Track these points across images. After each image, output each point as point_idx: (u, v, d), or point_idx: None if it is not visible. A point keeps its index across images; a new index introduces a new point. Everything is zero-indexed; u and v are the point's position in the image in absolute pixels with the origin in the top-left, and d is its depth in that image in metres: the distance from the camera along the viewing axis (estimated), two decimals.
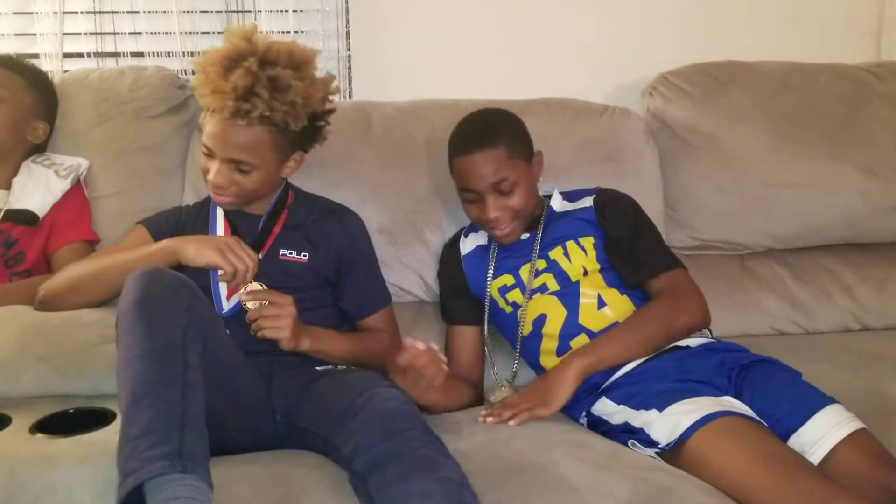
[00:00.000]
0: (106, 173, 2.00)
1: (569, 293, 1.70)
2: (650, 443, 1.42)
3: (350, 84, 2.37)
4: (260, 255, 1.65)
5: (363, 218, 1.82)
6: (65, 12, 2.24)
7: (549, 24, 2.44)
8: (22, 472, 1.25)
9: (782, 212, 2.12)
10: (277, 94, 1.55)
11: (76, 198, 1.95)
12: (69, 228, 1.91)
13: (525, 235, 1.79)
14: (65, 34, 2.25)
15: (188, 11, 2.27)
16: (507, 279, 1.77)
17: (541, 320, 1.71)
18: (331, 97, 1.71)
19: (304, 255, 1.70)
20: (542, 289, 1.73)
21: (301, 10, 2.32)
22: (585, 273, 1.72)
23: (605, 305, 1.68)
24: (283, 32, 2.27)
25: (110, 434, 1.30)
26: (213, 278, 1.64)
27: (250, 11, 2.31)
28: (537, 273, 1.74)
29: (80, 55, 2.30)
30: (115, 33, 2.31)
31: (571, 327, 1.67)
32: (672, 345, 1.62)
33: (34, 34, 2.23)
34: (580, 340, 1.66)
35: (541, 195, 1.86)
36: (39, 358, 1.50)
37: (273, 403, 1.50)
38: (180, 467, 1.11)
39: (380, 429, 1.25)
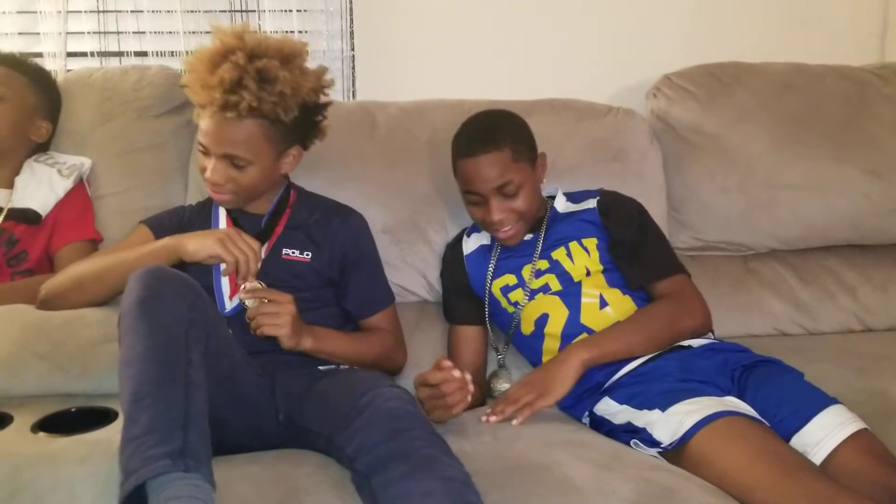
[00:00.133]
0: (109, 172, 2.00)
1: (571, 293, 1.70)
2: (653, 442, 1.42)
3: (354, 84, 2.38)
4: (262, 255, 1.65)
5: (367, 218, 1.82)
6: (68, 11, 2.24)
7: (554, 25, 2.44)
8: (24, 470, 1.24)
9: (786, 213, 2.12)
10: (265, 86, 1.55)
11: (79, 197, 1.95)
12: (72, 227, 1.91)
13: (528, 236, 1.79)
14: (68, 33, 2.26)
15: (192, 11, 2.27)
16: (510, 279, 1.77)
17: (543, 320, 1.71)
18: (326, 90, 1.71)
19: (307, 255, 1.69)
20: (545, 289, 1.73)
21: (305, 10, 2.32)
22: (588, 273, 1.72)
23: (607, 305, 1.68)
24: (286, 32, 2.27)
25: (112, 433, 1.30)
26: (216, 277, 1.64)
27: (254, 11, 2.32)
28: (540, 273, 1.74)
29: (84, 54, 2.30)
30: (118, 32, 2.31)
31: (573, 327, 1.67)
32: (675, 344, 1.61)
33: (38, 33, 2.24)
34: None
35: (544, 196, 1.86)
36: (41, 357, 1.50)
37: (276, 403, 1.49)
38: (183, 466, 1.10)
39: (383, 428, 1.25)
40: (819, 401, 1.46)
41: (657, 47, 2.44)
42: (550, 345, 1.70)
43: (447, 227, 1.99)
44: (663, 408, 1.44)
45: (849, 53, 2.39)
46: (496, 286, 1.79)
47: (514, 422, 1.50)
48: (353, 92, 2.38)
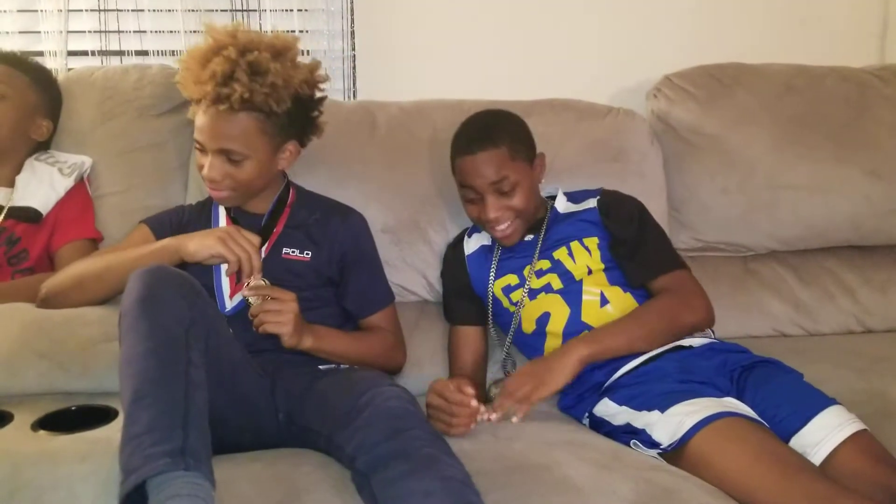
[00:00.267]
0: (109, 171, 2.00)
1: (572, 291, 1.71)
2: (652, 443, 1.42)
3: (355, 84, 2.38)
4: (262, 254, 1.65)
5: (367, 217, 1.82)
6: (69, 10, 2.24)
7: (554, 25, 2.44)
8: (24, 469, 1.24)
9: (786, 214, 2.12)
10: (257, 78, 1.56)
11: (79, 196, 1.95)
12: (72, 226, 1.91)
13: (529, 237, 1.79)
14: (69, 32, 2.26)
15: (193, 10, 2.27)
16: (512, 279, 1.78)
17: (544, 318, 1.71)
18: (320, 85, 1.72)
19: (307, 254, 1.69)
20: (547, 288, 1.73)
21: (306, 10, 2.33)
22: (590, 272, 1.72)
23: (607, 303, 1.68)
24: (288, 32, 2.26)
25: (112, 431, 1.30)
26: (216, 277, 1.64)
27: (255, 11, 2.32)
28: (541, 273, 1.74)
29: (85, 53, 2.30)
30: (119, 31, 2.31)
31: (575, 325, 1.68)
32: (674, 344, 1.62)
33: (38, 32, 2.24)
34: None
35: (544, 196, 1.87)
36: (42, 355, 1.50)
37: (276, 402, 1.49)
38: (183, 465, 1.10)
39: (383, 427, 1.25)
40: (818, 401, 1.46)
41: (657, 48, 2.45)
42: (552, 343, 1.70)
43: (447, 227, 1.99)
44: (662, 409, 1.44)
45: (849, 54, 2.39)
46: (498, 286, 1.79)
47: (514, 419, 1.49)
48: (354, 92, 2.38)
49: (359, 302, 1.75)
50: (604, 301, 1.69)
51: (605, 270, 1.73)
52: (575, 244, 1.75)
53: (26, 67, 1.95)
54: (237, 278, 1.62)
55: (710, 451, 1.33)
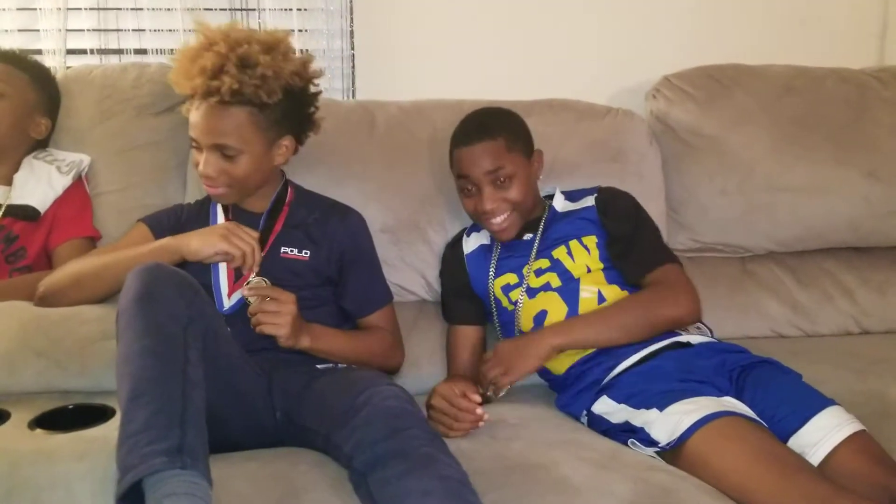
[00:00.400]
0: (108, 170, 2.00)
1: (569, 289, 1.71)
2: (650, 442, 1.42)
3: (354, 83, 2.38)
4: (261, 253, 1.65)
5: (366, 217, 1.81)
6: (68, 9, 2.24)
7: (554, 26, 2.44)
8: (21, 467, 1.24)
9: (784, 215, 2.12)
10: (246, 70, 1.56)
11: (77, 194, 1.95)
12: (70, 224, 1.91)
13: (528, 236, 1.79)
14: (68, 31, 2.25)
15: (192, 9, 2.26)
16: (511, 278, 1.78)
17: (542, 316, 1.71)
18: (314, 80, 1.72)
19: (306, 253, 1.69)
20: (546, 287, 1.73)
21: (305, 9, 2.32)
22: (589, 271, 1.72)
23: (604, 301, 1.69)
24: (286, 30, 2.26)
25: (110, 430, 1.30)
26: (214, 275, 1.64)
27: (254, 10, 2.32)
28: (541, 272, 1.74)
29: (84, 52, 2.30)
30: (118, 30, 2.31)
31: None
32: (672, 341, 1.62)
33: (37, 30, 2.23)
34: None
35: (542, 196, 1.86)
36: (39, 353, 1.50)
37: (274, 401, 1.49)
38: (180, 463, 1.10)
39: (381, 427, 1.25)
40: (817, 402, 1.46)
41: (657, 48, 2.45)
42: None
43: (446, 227, 1.99)
44: (661, 407, 1.44)
45: (848, 55, 2.39)
46: (497, 285, 1.79)
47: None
48: (353, 91, 2.38)
49: (357, 301, 1.75)
50: (601, 299, 1.69)
51: (603, 269, 1.73)
52: (574, 243, 1.75)
53: (25, 66, 1.95)
54: (236, 275, 1.62)
55: (709, 451, 1.33)
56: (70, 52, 2.27)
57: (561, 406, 1.67)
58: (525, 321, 1.74)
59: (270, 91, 1.58)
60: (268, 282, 1.56)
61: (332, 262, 1.72)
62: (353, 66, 2.37)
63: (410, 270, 1.99)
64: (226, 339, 1.41)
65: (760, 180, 2.11)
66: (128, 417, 1.15)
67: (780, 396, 1.48)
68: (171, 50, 2.29)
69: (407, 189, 2.00)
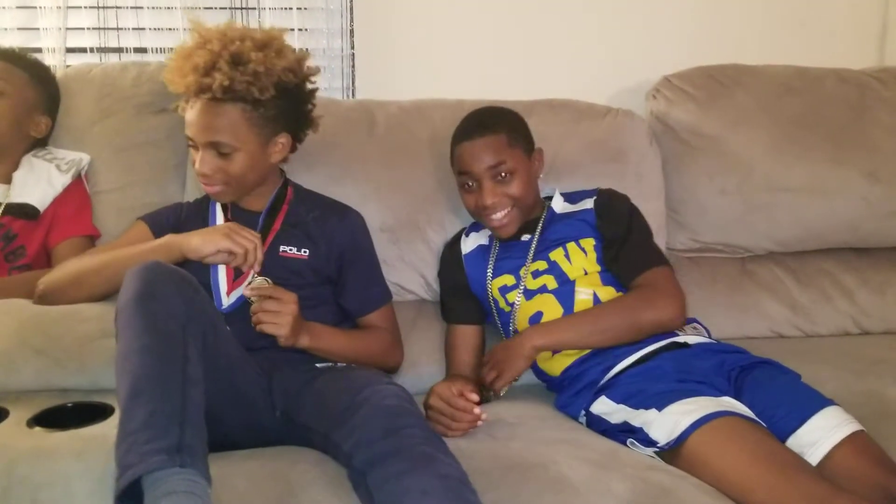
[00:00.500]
0: (107, 168, 2.00)
1: (565, 291, 1.71)
2: (649, 442, 1.42)
3: (354, 83, 2.37)
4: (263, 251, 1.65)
5: (365, 216, 1.81)
6: (68, 7, 2.24)
7: (554, 25, 2.44)
8: (20, 465, 1.24)
9: (784, 215, 2.12)
10: (239, 67, 1.57)
11: (77, 192, 1.95)
12: (70, 223, 1.91)
13: (525, 237, 1.79)
14: (68, 29, 2.25)
15: (192, 8, 2.26)
16: (508, 279, 1.78)
17: (537, 318, 1.71)
18: (311, 78, 1.72)
19: (305, 252, 1.69)
20: (543, 289, 1.73)
21: (305, 8, 2.32)
22: (585, 273, 1.72)
23: (600, 303, 1.68)
24: (286, 29, 2.26)
25: (108, 428, 1.30)
26: (213, 274, 1.64)
27: (254, 8, 2.31)
28: (538, 274, 1.74)
29: (83, 50, 2.29)
30: (118, 29, 2.30)
31: None
32: (669, 341, 1.62)
33: (37, 29, 2.23)
34: None
35: (542, 197, 1.86)
36: (38, 351, 1.50)
37: (273, 399, 1.49)
38: (179, 461, 1.10)
39: (380, 425, 1.25)
40: (815, 402, 1.46)
41: (657, 48, 2.45)
42: None
43: (446, 227, 1.99)
44: (660, 407, 1.44)
45: (848, 56, 2.40)
46: (494, 286, 1.79)
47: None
48: (353, 90, 2.37)
49: (356, 300, 1.75)
50: (596, 301, 1.69)
51: (600, 272, 1.73)
52: (571, 245, 1.75)
53: (26, 64, 1.94)
54: (235, 273, 1.62)
55: (708, 451, 1.33)
56: (70, 50, 2.27)
57: (559, 406, 1.67)
58: (521, 323, 1.74)
59: (263, 87, 1.59)
60: (270, 281, 1.56)
61: (331, 261, 1.72)
62: (353, 66, 2.37)
63: (409, 270, 1.99)
64: (225, 338, 1.41)
65: (760, 180, 2.11)
66: (127, 415, 1.15)
67: (778, 396, 1.48)
68: (172, 49, 2.28)
69: (406, 188, 1.99)
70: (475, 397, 1.44)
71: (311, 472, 1.30)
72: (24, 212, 1.86)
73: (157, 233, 1.69)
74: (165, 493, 1.08)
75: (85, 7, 2.28)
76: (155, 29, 2.30)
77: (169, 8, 2.27)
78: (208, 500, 1.11)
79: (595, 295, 1.69)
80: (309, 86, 1.73)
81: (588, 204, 1.82)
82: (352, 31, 2.35)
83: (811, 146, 2.13)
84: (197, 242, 1.54)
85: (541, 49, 2.44)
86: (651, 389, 1.49)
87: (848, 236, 2.17)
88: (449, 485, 1.16)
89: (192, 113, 1.61)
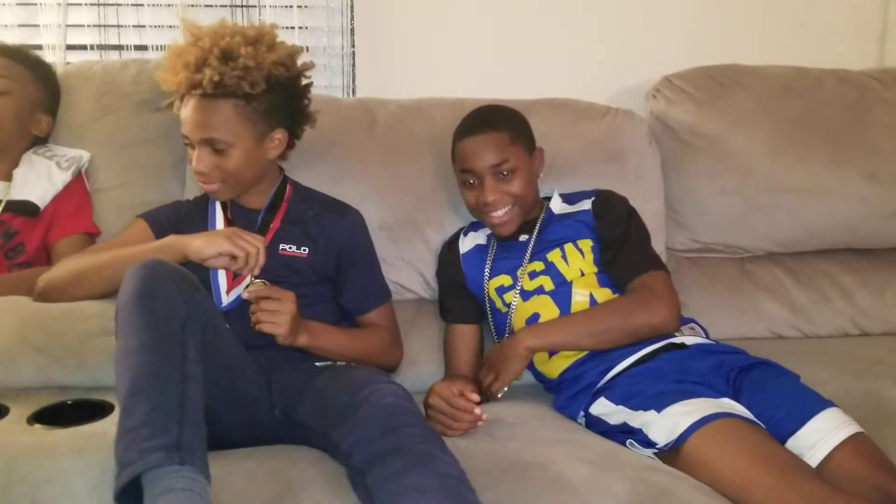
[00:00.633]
0: (107, 166, 2.00)
1: (562, 292, 1.71)
2: (648, 443, 1.42)
3: (354, 81, 2.37)
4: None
5: (365, 214, 1.81)
6: (68, 4, 2.24)
7: (554, 25, 2.44)
8: (19, 462, 1.24)
9: (784, 216, 2.12)
10: (228, 62, 1.57)
11: (77, 190, 1.95)
12: (70, 220, 1.91)
13: (523, 237, 1.79)
14: (68, 26, 2.25)
15: (192, 5, 2.26)
16: (505, 279, 1.77)
17: (534, 319, 1.71)
18: (306, 73, 1.72)
19: (304, 250, 1.69)
20: (539, 290, 1.73)
21: (306, 6, 2.32)
22: (582, 275, 1.72)
23: (597, 304, 1.68)
24: (287, 28, 2.27)
25: (108, 426, 1.30)
26: (212, 272, 1.64)
27: (255, 6, 2.32)
28: (535, 274, 1.74)
29: (84, 47, 2.29)
30: (118, 26, 2.30)
31: None
32: (668, 343, 1.62)
33: (37, 25, 2.23)
34: None
35: (541, 198, 1.86)
36: (38, 349, 1.49)
37: (272, 398, 1.49)
38: (178, 459, 1.10)
39: (379, 424, 1.25)
40: (815, 404, 1.46)
41: (657, 48, 2.44)
42: None
43: (445, 226, 1.99)
44: (659, 409, 1.44)
45: (848, 56, 2.40)
46: (491, 286, 1.79)
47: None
48: (353, 88, 2.37)
49: (356, 299, 1.75)
50: (593, 302, 1.69)
51: (597, 273, 1.73)
52: (569, 246, 1.75)
53: (29, 62, 1.94)
54: (235, 273, 1.62)
55: (707, 452, 1.33)
56: (70, 47, 2.27)
57: (558, 407, 1.67)
58: (518, 324, 1.74)
59: (253, 82, 1.58)
60: (267, 283, 1.55)
61: (330, 259, 1.72)
62: (354, 64, 2.37)
63: (409, 268, 1.99)
64: (225, 336, 1.41)
65: (760, 181, 2.11)
66: (126, 413, 1.15)
67: (778, 398, 1.48)
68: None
69: (406, 187, 1.99)
70: (476, 397, 1.44)
71: (310, 470, 1.30)
72: (24, 209, 1.86)
73: (157, 231, 1.69)
74: (164, 490, 1.08)
75: (85, 4, 2.28)
76: (155, 26, 2.30)
77: (169, 5, 2.28)
78: (207, 498, 1.12)
79: (592, 296, 1.69)
80: (303, 80, 1.73)
81: (586, 205, 1.82)
82: (352, 30, 2.35)
83: (811, 147, 2.13)
84: (199, 244, 1.53)
85: (541, 49, 2.44)
86: (650, 390, 1.49)
87: (847, 237, 2.18)
88: (447, 484, 1.16)
89: (185, 111, 1.62)
